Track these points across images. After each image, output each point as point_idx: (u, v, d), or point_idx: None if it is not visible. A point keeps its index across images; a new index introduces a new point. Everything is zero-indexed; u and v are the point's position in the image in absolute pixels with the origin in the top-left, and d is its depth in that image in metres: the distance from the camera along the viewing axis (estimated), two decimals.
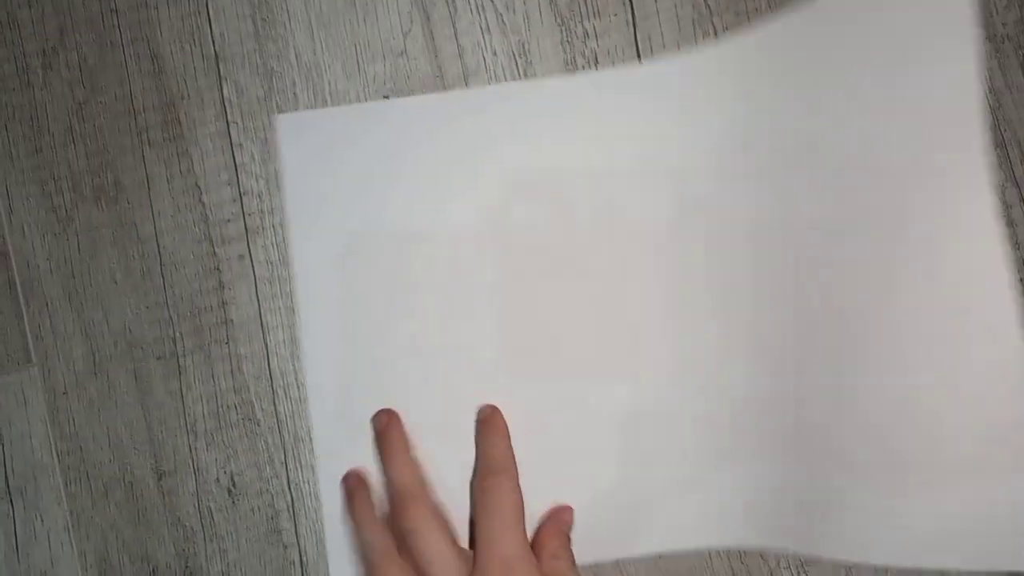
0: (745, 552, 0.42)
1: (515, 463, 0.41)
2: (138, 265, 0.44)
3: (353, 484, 0.41)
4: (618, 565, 0.43)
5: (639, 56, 0.45)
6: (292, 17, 0.45)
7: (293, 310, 0.44)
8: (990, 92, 0.45)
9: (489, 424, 0.41)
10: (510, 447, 0.41)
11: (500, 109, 0.43)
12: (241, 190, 0.44)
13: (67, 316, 0.44)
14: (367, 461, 0.42)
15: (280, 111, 0.44)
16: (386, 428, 0.42)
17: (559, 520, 0.41)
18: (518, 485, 0.40)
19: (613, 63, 0.45)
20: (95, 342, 0.44)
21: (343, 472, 0.42)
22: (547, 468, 0.41)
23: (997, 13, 0.45)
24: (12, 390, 0.43)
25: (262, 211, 0.44)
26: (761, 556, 0.42)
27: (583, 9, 0.45)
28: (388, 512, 0.40)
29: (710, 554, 0.43)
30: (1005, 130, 0.45)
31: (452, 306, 0.42)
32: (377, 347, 0.42)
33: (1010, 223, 0.44)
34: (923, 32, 0.40)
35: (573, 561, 0.40)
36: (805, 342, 0.40)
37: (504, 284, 0.42)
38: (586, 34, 0.45)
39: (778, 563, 0.42)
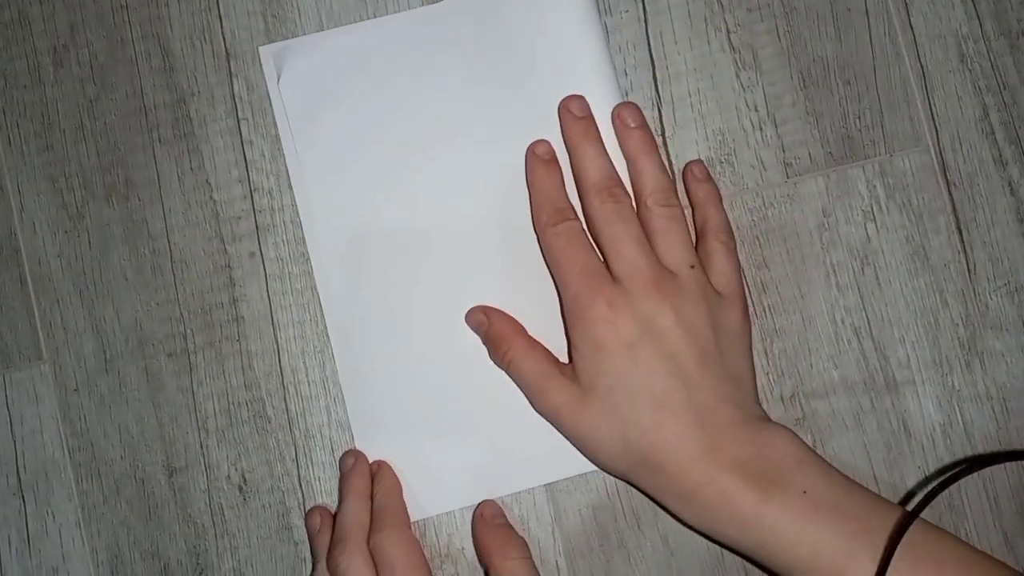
0: None
1: (406, 514, 0.42)
2: (149, 262, 0.44)
3: (316, 523, 0.42)
4: (629, 560, 0.42)
5: (651, 52, 0.45)
6: (302, 14, 0.45)
7: (304, 307, 0.44)
8: (1004, 89, 0.45)
9: (378, 477, 0.43)
10: (399, 494, 0.42)
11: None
12: (252, 187, 0.44)
13: (78, 313, 0.44)
14: (389, 349, 0.43)
15: None
16: (349, 472, 0.42)
17: (489, 519, 0.42)
18: (411, 539, 0.40)
19: (625, 60, 0.45)
20: (106, 339, 0.44)
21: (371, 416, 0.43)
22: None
23: (1012, 9, 0.45)
24: (23, 386, 0.43)
25: (273, 208, 0.44)
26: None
27: (596, 5, 0.44)
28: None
29: (721, 552, 0.42)
30: (1019, 127, 0.45)
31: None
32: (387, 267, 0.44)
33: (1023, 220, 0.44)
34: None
35: (528, 557, 0.40)
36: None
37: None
38: (607, 38, 0.45)
39: None
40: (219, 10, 0.45)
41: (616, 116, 0.43)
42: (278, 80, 0.44)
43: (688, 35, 0.45)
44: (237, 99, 0.45)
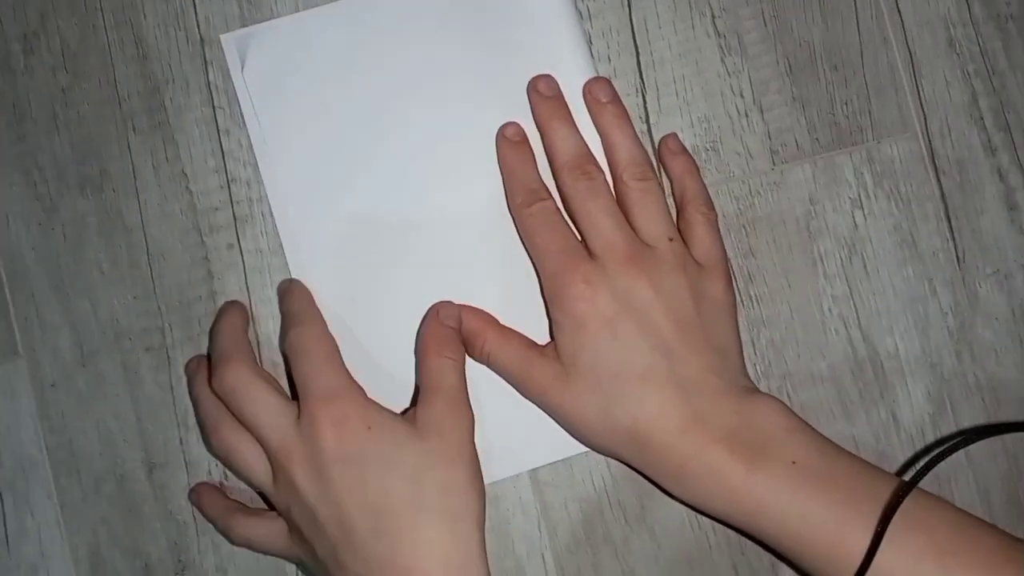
0: (744, 543, 0.42)
1: (316, 313, 0.41)
2: (125, 255, 0.43)
3: (193, 366, 0.42)
4: (617, 554, 0.42)
5: (635, 38, 0.44)
6: (278, 0, 0.44)
7: None
8: (993, 74, 0.44)
9: (288, 289, 0.42)
10: (310, 301, 0.41)
11: None
12: (229, 177, 0.43)
13: (53, 307, 0.43)
14: (366, 337, 0.42)
15: None
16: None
17: (442, 317, 0.41)
18: (323, 331, 0.40)
19: (608, 45, 0.44)
20: (82, 334, 0.43)
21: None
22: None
23: None
24: None
25: (251, 199, 0.43)
26: (761, 547, 0.41)
27: None
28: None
29: (710, 545, 0.42)
30: (1009, 112, 0.44)
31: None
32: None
33: (1014, 207, 0.44)
34: None
35: (460, 362, 0.40)
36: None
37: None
38: (580, 15, 0.44)
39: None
40: None
41: (587, 91, 0.43)
42: (242, 68, 0.43)
43: (672, 19, 0.44)
44: (213, 87, 0.44)
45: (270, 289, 0.43)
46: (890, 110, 0.44)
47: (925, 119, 0.44)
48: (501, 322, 0.42)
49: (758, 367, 0.43)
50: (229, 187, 0.43)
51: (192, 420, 0.43)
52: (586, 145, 0.42)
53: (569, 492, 0.43)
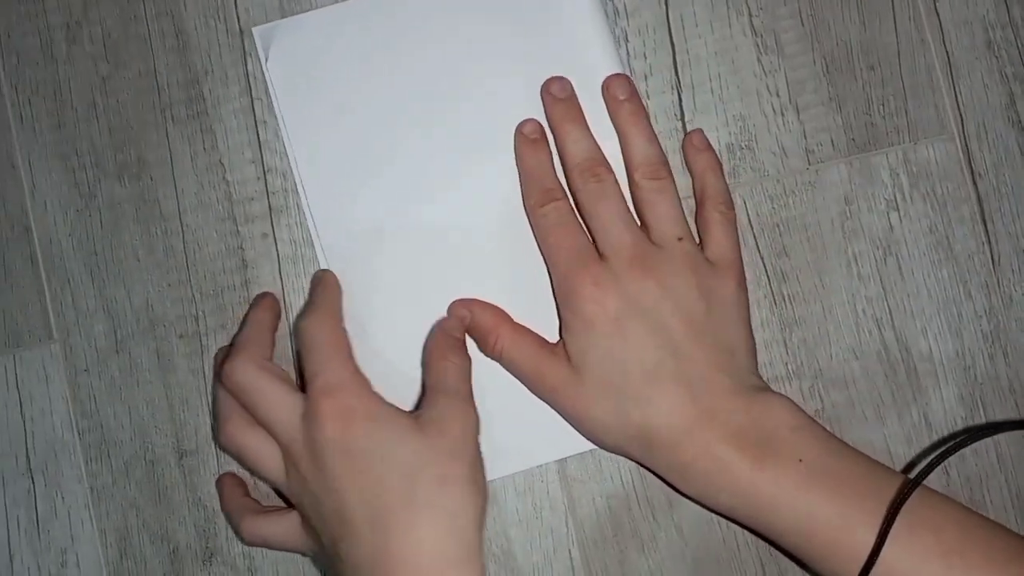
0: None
1: (334, 304, 0.41)
2: (161, 242, 0.43)
3: (220, 358, 0.42)
4: (643, 550, 0.42)
5: (671, 35, 0.44)
6: None
7: None
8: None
9: (317, 279, 0.42)
10: (333, 292, 0.42)
11: None
12: (265, 167, 0.44)
13: (89, 293, 0.43)
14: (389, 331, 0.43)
15: None
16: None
17: (448, 328, 0.41)
18: (334, 322, 0.40)
19: (644, 43, 0.44)
20: (117, 319, 0.43)
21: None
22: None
23: None
24: (33, 366, 0.43)
25: (286, 190, 0.44)
26: (768, 543, 0.41)
27: None
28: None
29: (738, 543, 0.42)
30: None
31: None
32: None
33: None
34: None
35: (466, 366, 0.40)
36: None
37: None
38: (616, 12, 0.44)
39: None
40: None
41: (606, 88, 0.43)
42: (266, 61, 0.44)
43: (709, 18, 0.44)
44: (251, 78, 0.44)
45: (304, 279, 0.43)
46: (927, 111, 0.44)
47: (962, 121, 0.44)
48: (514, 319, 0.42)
49: (790, 366, 0.43)
50: (265, 177, 0.44)
51: None
52: (597, 147, 0.42)
53: (597, 487, 0.43)
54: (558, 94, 0.43)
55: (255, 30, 0.44)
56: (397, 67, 0.44)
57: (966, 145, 0.44)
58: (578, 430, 0.41)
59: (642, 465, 0.40)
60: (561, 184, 0.42)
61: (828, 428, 0.42)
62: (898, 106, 0.44)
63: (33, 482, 0.43)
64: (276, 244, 0.44)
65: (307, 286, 0.43)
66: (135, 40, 0.44)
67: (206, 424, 0.43)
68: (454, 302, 0.42)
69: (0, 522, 0.43)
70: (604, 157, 0.42)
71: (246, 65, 0.44)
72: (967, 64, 0.44)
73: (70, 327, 0.43)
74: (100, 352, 0.43)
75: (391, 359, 0.42)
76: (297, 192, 0.43)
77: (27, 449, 0.43)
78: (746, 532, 0.42)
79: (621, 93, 0.42)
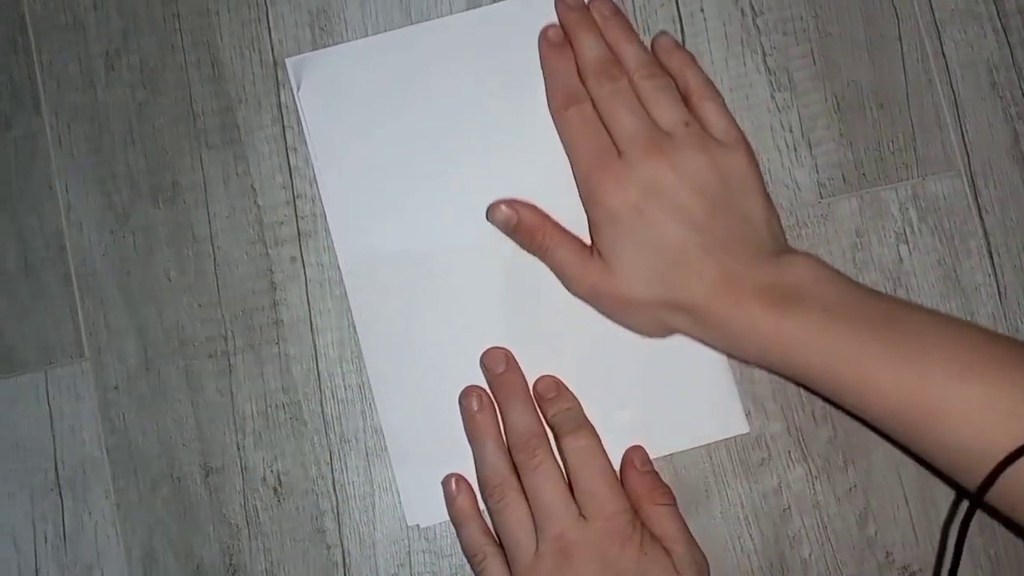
0: (786, 567, 0.42)
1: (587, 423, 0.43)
2: (192, 264, 0.45)
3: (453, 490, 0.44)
4: None
5: None
6: (349, 26, 0.46)
7: (343, 313, 0.44)
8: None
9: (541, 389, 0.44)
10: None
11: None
12: (295, 193, 0.45)
13: (121, 312, 0.44)
14: (414, 355, 0.44)
15: None
16: (503, 377, 0.44)
17: (639, 462, 0.43)
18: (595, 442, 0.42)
19: None
20: (147, 339, 0.44)
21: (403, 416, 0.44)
22: None
23: None
24: (64, 383, 0.44)
25: (315, 214, 0.45)
26: (790, 545, 0.42)
27: (633, 23, 0.45)
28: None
29: (752, 567, 0.43)
30: None
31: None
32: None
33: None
34: None
35: (674, 502, 0.42)
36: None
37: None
38: None
39: (810, 554, 0.43)
40: (268, 21, 0.46)
41: (591, 10, 0.45)
42: (297, 91, 0.45)
43: (725, 56, 0.46)
44: (283, 107, 0.45)
45: (330, 301, 0.45)
46: (935, 148, 0.45)
47: (968, 158, 0.45)
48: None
49: (802, 394, 0.44)
50: (295, 202, 0.45)
51: (249, 426, 0.44)
52: (609, 51, 0.44)
53: None
54: (571, 2, 0.45)
55: (288, 61, 0.45)
56: (421, 99, 0.45)
57: (972, 181, 0.45)
58: (620, 321, 0.43)
59: (691, 336, 0.42)
60: (584, 88, 0.44)
61: (842, 455, 0.43)
62: (907, 143, 0.45)
63: (61, 497, 0.44)
64: (304, 267, 0.45)
65: (333, 307, 0.44)
66: (172, 69, 0.46)
67: (232, 443, 0.44)
68: (494, 204, 0.44)
69: (27, 537, 0.43)
70: (616, 60, 0.44)
71: (279, 94, 0.46)
72: (973, 104, 0.46)
73: (101, 346, 0.44)
74: (130, 370, 0.44)
75: (416, 383, 0.44)
76: (325, 217, 0.45)
77: (56, 465, 0.44)
78: (760, 556, 0.43)
79: (606, 10, 0.45)
